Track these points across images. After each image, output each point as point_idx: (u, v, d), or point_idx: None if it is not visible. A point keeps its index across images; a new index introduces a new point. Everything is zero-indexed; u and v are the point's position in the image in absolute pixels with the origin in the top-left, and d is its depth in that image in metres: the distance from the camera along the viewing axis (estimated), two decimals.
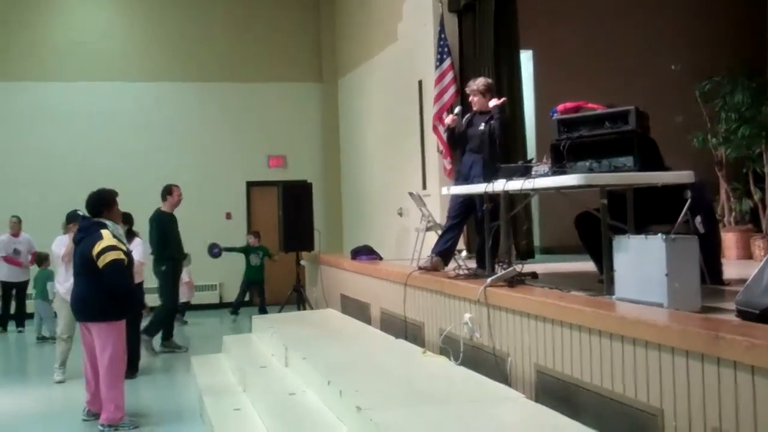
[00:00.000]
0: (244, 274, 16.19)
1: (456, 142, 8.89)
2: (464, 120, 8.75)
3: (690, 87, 10.86)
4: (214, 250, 15.60)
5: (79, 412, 8.33)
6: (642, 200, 6.38)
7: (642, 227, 6.06)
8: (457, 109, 8.98)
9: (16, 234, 14.79)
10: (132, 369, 10.17)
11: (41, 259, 14.08)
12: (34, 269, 14.58)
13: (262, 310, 15.12)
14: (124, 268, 7.86)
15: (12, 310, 15.07)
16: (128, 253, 8.11)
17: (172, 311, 12.48)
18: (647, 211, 6.47)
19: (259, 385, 7.77)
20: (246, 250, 16.06)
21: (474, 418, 5.18)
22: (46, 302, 13.41)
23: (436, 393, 5.93)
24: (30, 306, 14.66)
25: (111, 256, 7.71)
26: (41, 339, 13.63)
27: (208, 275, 16.63)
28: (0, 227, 15.14)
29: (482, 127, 8.43)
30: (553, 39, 12.88)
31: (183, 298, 15.47)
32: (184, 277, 15.29)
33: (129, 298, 8.24)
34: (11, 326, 15.01)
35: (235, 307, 15.91)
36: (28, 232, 14.90)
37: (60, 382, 10.09)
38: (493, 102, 8.40)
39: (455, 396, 5.84)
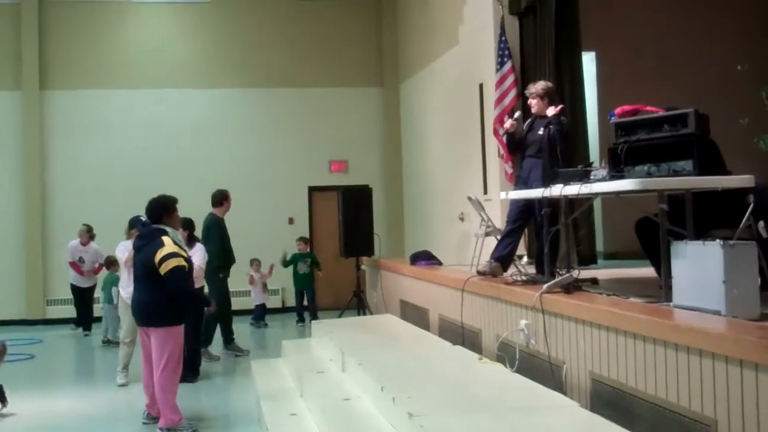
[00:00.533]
0: (293, 283, 16.05)
1: (516, 146, 8.82)
2: (525, 125, 8.68)
3: (757, 88, 10.61)
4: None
5: (140, 415, 8.44)
6: (703, 205, 6.24)
7: (703, 233, 5.92)
8: (516, 114, 8.90)
9: (85, 243, 15.02)
10: (193, 373, 10.27)
11: (110, 263, 14.23)
12: (102, 274, 14.81)
13: (314, 316, 15.04)
14: (185, 274, 7.93)
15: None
16: (188, 259, 8.18)
17: (222, 317, 12.09)
18: (709, 216, 6.32)
19: (316, 390, 7.74)
20: (293, 260, 15.85)
21: (527, 426, 5.09)
22: (110, 306, 13.59)
23: (490, 400, 5.84)
24: (98, 310, 14.91)
25: (173, 263, 7.79)
26: (106, 342, 13.82)
27: (270, 280, 16.68)
28: (70, 233, 15.42)
29: (541, 132, 8.33)
30: (616, 40, 12.72)
31: (257, 300, 15.65)
32: (256, 277, 15.46)
33: (191, 303, 8.35)
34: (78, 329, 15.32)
35: (299, 316, 15.84)
36: (97, 238, 15.14)
37: (122, 385, 10.21)
38: (551, 110, 8.28)
39: (509, 404, 5.74)
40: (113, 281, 13.70)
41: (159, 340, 7.90)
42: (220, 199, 12.16)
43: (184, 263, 7.90)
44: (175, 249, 7.89)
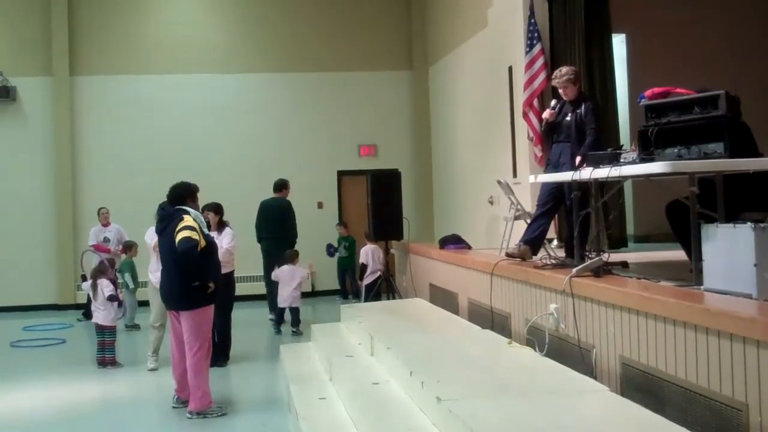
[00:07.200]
0: (337, 264, 17.17)
1: (549, 133, 8.79)
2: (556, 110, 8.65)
3: None
4: (330, 250, 16.99)
5: (170, 399, 8.50)
6: (734, 188, 6.19)
7: (734, 215, 5.87)
8: (553, 103, 8.82)
9: (106, 224, 15.12)
10: (223, 357, 10.33)
11: (127, 247, 14.31)
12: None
13: (356, 295, 15.48)
14: (194, 247, 7.78)
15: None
16: (210, 242, 8.16)
17: None
18: (740, 199, 6.27)
19: (345, 374, 7.77)
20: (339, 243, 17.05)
21: (556, 410, 5.07)
22: (128, 291, 13.71)
23: (519, 384, 5.83)
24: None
25: (185, 233, 7.80)
26: (131, 327, 13.88)
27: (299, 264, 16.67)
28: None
29: (569, 117, 8.33)
30: (648, 21, 12.60)
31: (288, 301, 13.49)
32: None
33: (199, 280, 8.01)
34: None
35: (343, 295, 16.89)
36: (124, 222, 15.20)
37: (153, 369, 10.27)
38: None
39: (538, 388, 5.72)
40: (129, 266, 13.85)
41: (189, 323, 7.96)
42: (285, 185, 14.11)
43: (197, 237, 7.84)
44: (193, 224, 7.93)
